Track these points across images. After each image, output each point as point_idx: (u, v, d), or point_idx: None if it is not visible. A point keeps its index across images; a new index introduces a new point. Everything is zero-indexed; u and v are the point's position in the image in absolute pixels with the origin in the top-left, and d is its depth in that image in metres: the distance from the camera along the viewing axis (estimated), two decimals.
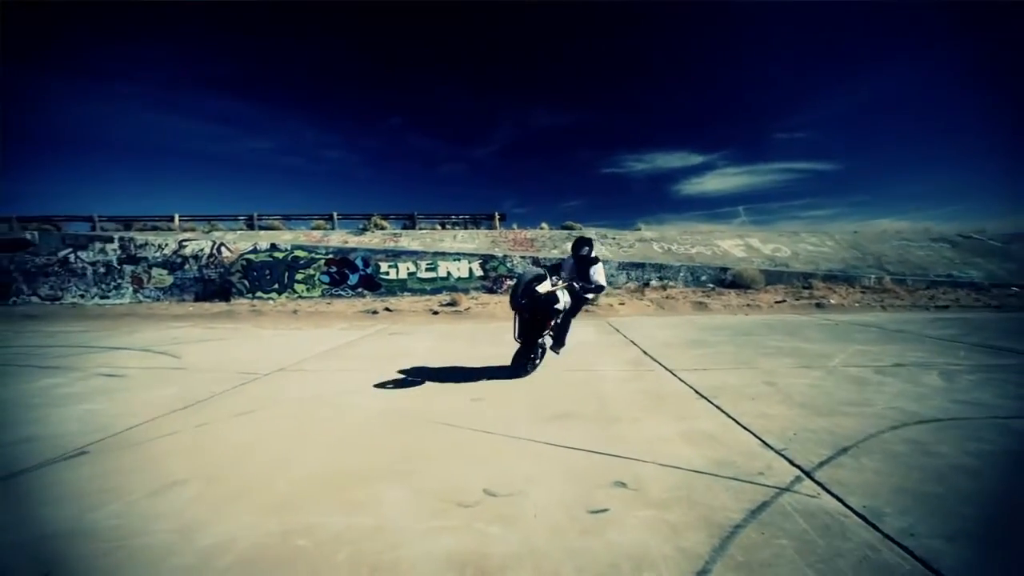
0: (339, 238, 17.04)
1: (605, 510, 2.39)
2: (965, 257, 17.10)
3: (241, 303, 14.57)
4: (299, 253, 16.22)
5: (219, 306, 13.98)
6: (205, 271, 16.27)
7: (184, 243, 16.55)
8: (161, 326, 10.70)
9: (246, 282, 16.07)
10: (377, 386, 4.98)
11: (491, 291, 15.12)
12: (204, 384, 5.17)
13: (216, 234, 17.32)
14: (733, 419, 3.73)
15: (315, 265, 16.05)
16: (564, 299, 5.14)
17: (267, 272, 16.09)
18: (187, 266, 16.26)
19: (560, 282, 5.22)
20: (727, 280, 15.10)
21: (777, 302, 12.95)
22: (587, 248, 5.51)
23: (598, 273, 5.42)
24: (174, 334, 9.29)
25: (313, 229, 18.13)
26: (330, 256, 16.09)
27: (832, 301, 13.00)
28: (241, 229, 18.25)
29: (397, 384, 5.08)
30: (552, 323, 5.26)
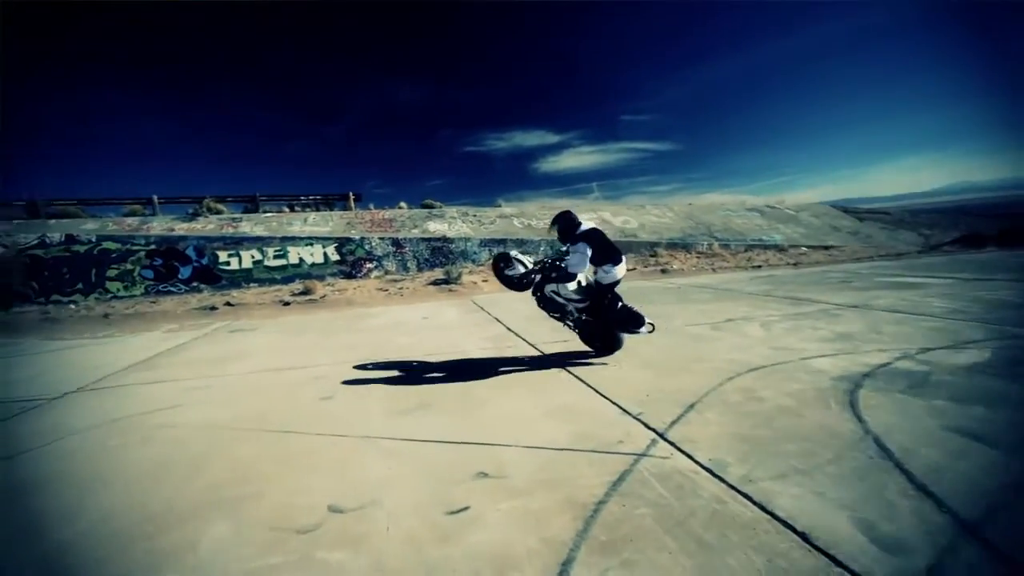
0: (163, 226, 14.48)
1: (465, 508, 2.17)
2: (771, 224, 20.26)
3: (29, 311, 11.70)
4: (109, 245, 13.47)
5: None
6: None
7: None
8: None
9: (35, 284, 12.93)
10: (203, 397, 4.20)
11: (350, 276, 14.10)
12: None
13: None
14: (592, 388, 3.78)
15: (133, 258, 13.46)
16: (572, 284, 4.60)
17: (63, 270, 13.11)
18: None
19: (537, 264, 4.73)
20: None
21: (629, 269, 14.03)
22: (554, 229, 4.67)
23: (569, 256, 4.42)
24: None
25: (126, 216, 15.17)
26: (152, 247, 13.62)
27: (674, 266, 14.48)
28: (19, 218, 14.59)
29: (230, 392, 4.35)
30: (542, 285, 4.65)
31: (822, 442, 2.60)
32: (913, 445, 2.50)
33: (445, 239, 15.24)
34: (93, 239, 13.36)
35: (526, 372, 4.40)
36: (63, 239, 13.30)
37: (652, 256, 15.88)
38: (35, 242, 13.16)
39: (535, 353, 5.07)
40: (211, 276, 13.78)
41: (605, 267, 4.36)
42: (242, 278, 13.90)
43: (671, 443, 2.70)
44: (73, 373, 5.49)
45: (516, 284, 4.70)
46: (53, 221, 14.58)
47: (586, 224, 4.54)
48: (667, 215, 19.97)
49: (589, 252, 4.28)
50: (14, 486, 2.75)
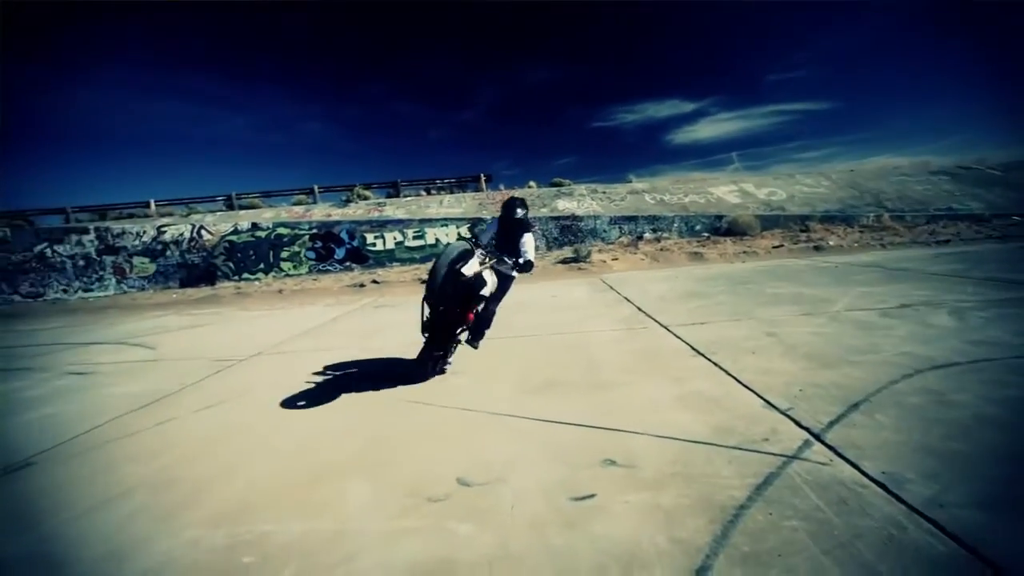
0: (322, 212, 16.48)
1: (591, 496, 2.12)
2: (965, 189, 16.65)
3: (226, 286, 14.20)
4: (282, 230, 15.72)
5: (203, 291, 13.62)
6: (187, 256, 15.80)
7: (163, 229, 16.01)
8: (142, 316, 10.37)
9: (231, 264, 15.63)
10: (352, 366, 4.70)
11: None
12: (176, 375, 4.87)
13: (195, 217, 16.73)
14: (733, 377, 3.45)
15: (299, 241, 15.57)
16: (491, 281, 4.00)
17: (251, 252, 15.63)
18: (168, 252, 15.78)
19: (487, 259, 3.99)
20: (722, 228, 14.70)
21: (774, 247, 12.62)
22: (521, 211, 4.28)
23: (527, 245, 4.10)
24: (153, 323, 8.97)
25: (295, 205, 17.52)
26: (314, 231, 15.59)
27: (830, 243, 12.67)
28: (220, 210, 17.64)
29: (374, 363, 4.80)
30: (472, 313, 4.03)
31: None
32: None
33: (574, 217, 15.11)
34: (270, 226, 15.68)
35: (658, 355, 4.17)
36: (250, 226, 15.82)
37: (803, 231, 14.07)
38: (230, 230, 15.85)
39: (668, 335, 4.79)
40: (360, 256, 15.39)
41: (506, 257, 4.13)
42: (386, 257, 15.30)
43: (830, 447, 2.35)
44: (257, 339, 6.51)
45: (458, 286, 3.70)
46: (243, 212, 17.41)
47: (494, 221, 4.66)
48: (822, 184, 17.46)
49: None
50: (211, 435, 3.33)
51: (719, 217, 15.02)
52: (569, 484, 2.23)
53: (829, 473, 2.12)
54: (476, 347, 4.56)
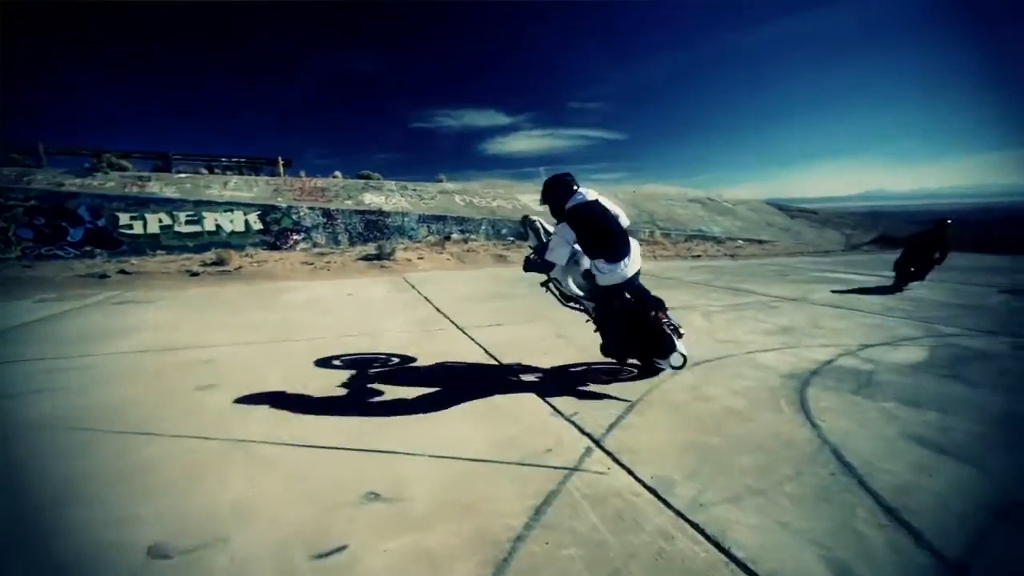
0: (50, 180, 12.58)
1: (341, 548, 1.63)
2: (711, 215, 20.72)
3: None
4: None
5: None
6: None
7: None
8: None
9: None
10: (55, 383, 3.36)
11: (273, 247, 12.87)
12: None
13: None
14: (522, 382, 3.32)
15: (7, 215, 11.59)
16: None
17: None
18: None
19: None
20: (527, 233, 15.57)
21: None
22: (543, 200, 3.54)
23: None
24: None
25: (2, 166, 13.04)
26: (33, 203, 11.78)
27: None
28: None
29: (92, 378, 3.52)
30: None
31: (778, 454, 2.26)
32: (874, 459, 2.21)
33: (381, 212, 14.28)
34: None
35: (449, 360, 3.87)
36: None
37: None
38: None
39: (463, 338, 4.55)
40: (109, 240, 12.13)
41: (599, 263, 3.19)
42: (148, 244, 12.35)
43: (608, 452, 2.28)
44: None
45: (530, 264, 3.50)
46: None
47: (584, 194, 3.30)
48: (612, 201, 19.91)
49: (571, 238, 3.15)
50: None
51: None
52: (314, 534, 1.71)
53: (607, 483, 2.01)
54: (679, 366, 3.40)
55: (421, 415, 2.78)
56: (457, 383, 3.32)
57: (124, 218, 12.34)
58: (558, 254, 3.22)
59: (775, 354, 3.91)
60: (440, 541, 1.66)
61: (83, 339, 4.70)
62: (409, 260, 11.04)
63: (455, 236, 14.46)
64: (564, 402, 2.92)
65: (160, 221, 12.53)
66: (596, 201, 3.30)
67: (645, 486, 1.99)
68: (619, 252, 3.18)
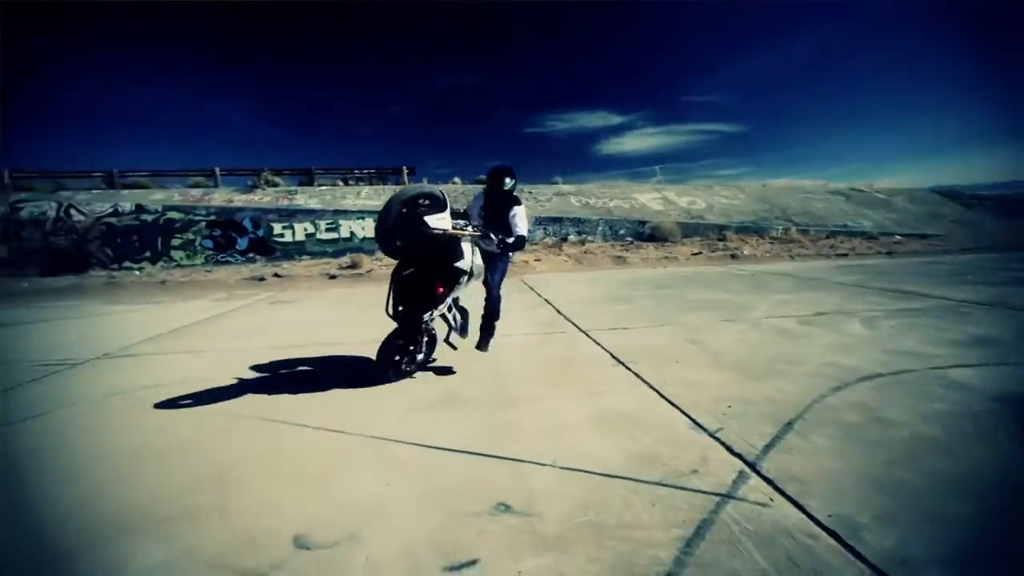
0: (223, 197, 14.79)
1: (472, 563, 1.55)
2: (857, 209, 18.13)
3: (98, 275, 12.24)
4: (173, 215, 13.88)
5: (66, 280, 11.62)
6: (52, 239, 13.50)
7: (19, 205, 13.60)
8: None
9: (108, 251, 13.55)
10: (209, 374, 3.83)
11: None
12: None
13: (64, 194, 14.41)
14: (656, 391, 3.04)
15: (195, 228, 13.83)
16: (472, 260, 3.39)
17: (134, 238, 13.66)
18: (24, 234, 13.41)
19: (468, 227, 3.31)
20: (645, 233, 14.88)
21: (694, 254, 12.88)
22: (510, 180, 3.64)
23: (519, 218, 3.56)
24: None
25: (191, 187, 15.63)
26: (212, 218, 13.92)
27: (745, 252, 13.15)
28: (98, 188, 15.37)
29: (249, 367, 3.96)
30: (450, 291, 3.31)
31: (1008, 505, 1.76)
32: None
33: None
34: (159, 209, 13.81)
35: (575, 364, 3.71)
36: (133, 208, 13.84)
37: (720, 240, 14.55)
38: (109, 211, 13.78)
39: (586, 341, 4.36)
40: (266, 248, 13.94)
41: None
42: (295, 250, 13.97)
43: (768, 480, 1.94)
44: (108, 338, 5.35)
45: (423, 240, 3.03)
46: (127, 191, 15.25)
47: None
48: (738, 196, 18.33)
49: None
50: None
51: (642, 223, 15.20)
52: (445, 543, 1.65)
53: (771, 518, 1.70)
54: (483, 349, 3.93)
55: (548, 421, 2.65)
56: (583, 388, 3.15)
57: (277, 228, 14.08)
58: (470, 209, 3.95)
59: (973, 371, 3.16)
60: (579, 568, 1.50)
61: (247, 333, 5.35)
62: (526, 262, 11.11)
63: (572, 238, 14.32)
64: (703, 415, 2.60)
65: (305, 230, 14.09)
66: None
67: (823, 527, 1.64)
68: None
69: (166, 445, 2.54)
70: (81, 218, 13.66)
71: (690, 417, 2.59)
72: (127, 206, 13.88)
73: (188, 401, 3.19)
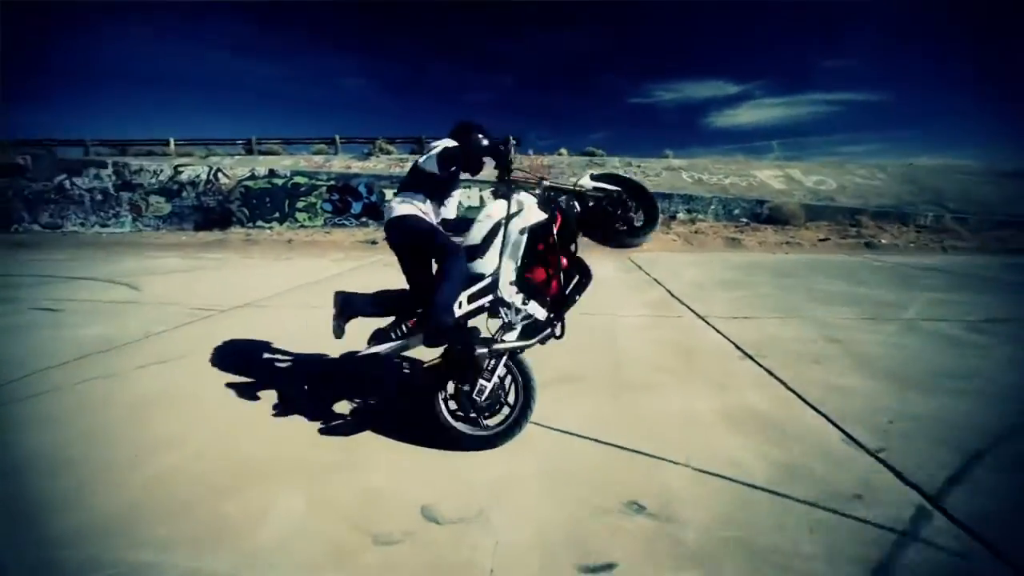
0: (342, 164, 15.82)
1: (610, 566, 1.46)
2: None
3: (237, 232, 13.77)
4: (299, 179, 15.12)
5: (213, 235, 13.21)
6: (203, 198, 15.36)
7: (180, 169, 15.55)
8: (145, 255, 9.97)
9: (245, 210, 15.15)
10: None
11: None
12: (146, 321, 4.35)
13: (213, 159, 16.25)
14: (795, 392, 2.73)
15: (316, 192, 14.98)
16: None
17: (266, 199, 15.12)
18: (185, 193, 15.36)
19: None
20: (763, 215, 13.60)
21: (820, 240, 11.59)
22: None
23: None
24: (152, 264, 8.53)
25: (315, 154, 16.87)
26: (332, 183, 14.96)
27: (883, 241, 11.57)
28: (239, 154, 17.12)
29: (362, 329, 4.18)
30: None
31: None
32: None
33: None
34: (288, 174, 15.09)
35: (697, 352, 3.46)
36: (267, 173, 15.27)
37: (853, 226, 12.90)
38: (247, 175, 15.32)
39: (705, 328, 4.06)
40: (377, 212, 14.74)
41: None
42: None
43: (961, 524, 1.62)
44: (252, 289, 5.96)
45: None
46: (261, 157, 16.86)
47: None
48: (878, 177, 16.07)
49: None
50: (147, 399, 2.76)
51: (760, 202, 13.89)
52: (578, 538, 1.57)
53: None
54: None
55: (674, 412, 2.48)
56: (710, 380, 2.91)
57: (388, 194, 14.80)
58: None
59: None
60: None
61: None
62: None
63: (681, 215, 13.51)
64: (858, 428, 2.27)
65: None
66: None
67: None
68: None
69: (305, 394, 2.74)
70: (226, 181, 15.35)
71: (842, 429, 2.28)
72: (262, 171, 15.33)
73: (308, 363, 3.43)
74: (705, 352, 3.49)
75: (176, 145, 17.27)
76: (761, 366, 3.18)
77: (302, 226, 14.87)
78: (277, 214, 15.09)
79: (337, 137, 16.93)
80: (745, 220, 13.42)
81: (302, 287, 6.18)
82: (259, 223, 15.00)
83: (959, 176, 16.36)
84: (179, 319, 4.45)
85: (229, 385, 2.91)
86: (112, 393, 2.81)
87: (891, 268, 7.67)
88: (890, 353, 3.42)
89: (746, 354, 3.42)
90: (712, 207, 13.69)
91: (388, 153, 16.44)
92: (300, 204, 15.03)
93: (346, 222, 14.82)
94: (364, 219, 14.75)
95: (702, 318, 4.39)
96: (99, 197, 15.86)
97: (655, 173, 15.03)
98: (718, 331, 3.97)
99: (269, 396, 2.76)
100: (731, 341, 3.70)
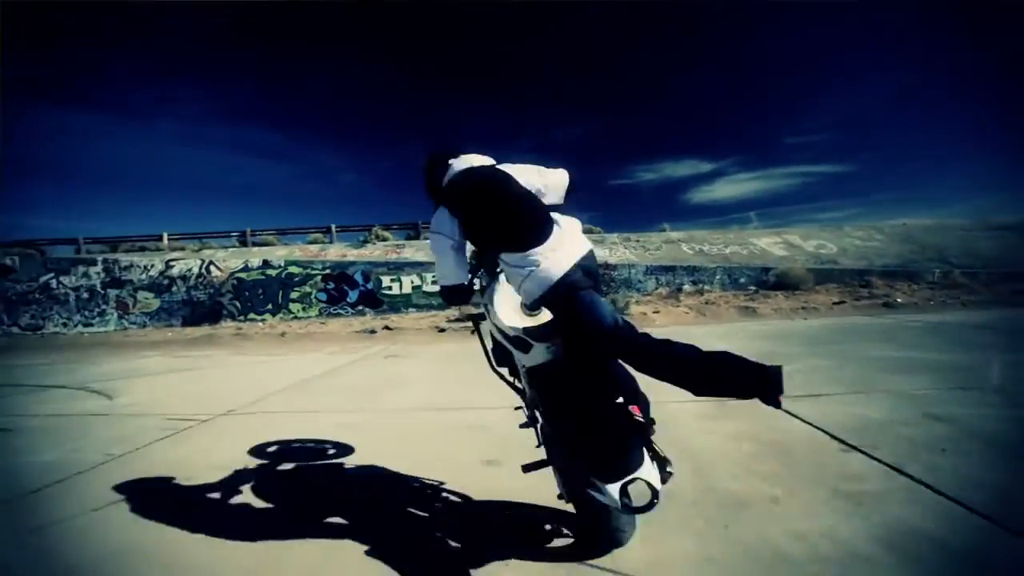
0: (337, 252, 15.64)
1: None
2: None
3: (227, 327, 13.16)
4: (293, 269, 14.82)
5: (202, 330, 12.58)
6: (193, 292, 14.92)
7: (171, 263, 15.26)
8: (126, 356, 9.27)
9: (237, 303, 14.68)
10: (341, 439, 3.41)
11: None
12: (110, 440, 3.65)
13: (206, 252, 16.03)
14: (947, 496, 2.08)
15: (311, 282, 14.62)
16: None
17: (260, 291, 14.70)
18: (175, 288, 14.93)
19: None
20: (770, 281, 13.34)
21: (835, 303, 11.20)
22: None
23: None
24: (132, 365, 7.83)
25: (310, 243, 16.76)
26: (327, 271, 14.65)
27: (899, 299, 11.21)
28: (234, 246, 16.97)
29: (367, 432, 3.51)
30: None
31: None
32: None
33: (607, 265, 13.92)
34: (282, 263, 14.82)
35: (787, 448, 2.82)
36: (261, 263, 14.99)
37: (863, 287, 12.63)
38: (240, 266, 15.02)
39: (779, 414, 3.43)
40: (374, 300, 14.32)
41: (506, 259, 1.80)
42: (402, 303, 14.20)
43: None
44: (238, 391, 5.29)
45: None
46: (256, 248, 16.68)
47: (465, 162, 2.08)
48: (875, 237, 16.15)
49: (451, 229, 1.94)
50: (96, 554, 2.04)
51: (765, 270, 13.70)
52: None
53: None
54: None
55: (816, 543, 1.81)
56: (826, 485, 2.26)
57: (386, 280, 14.47)
58: (440, 263, 2.04)
59: None
60: None
61: (367, 391, 5.01)
62: (644, 314, 10.20)
63: (687, 287, 13.21)
64: None
65: (412, 282, 14.34)
66: (483, 166, 2.05)
67: None
68: (533, 234, 1.74)
69: (290, 531, 2.04)
70: (218, 273, 15.01)
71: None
72: (255, 262, 15.06)
73: (308, 473, 2.74)
74: (797, 446, 2.84)
75: (169, 239, 17.16)
76: (876, 459, 2.54)
77: (296, 317, 14.34)
78: (270, 306, 14.61)
79: (333, 226, 16.96)
80: (753, 288, 13.14)
81: (297, 386, 5.51)
82: (251, 316, 14.47)
83: (958, 232, 16.52)
84: (149, 435, 3.75)
85: (196, 531, 2.20)
86: (44, 555, 2.09)
87: (932, 328, 7.18)
88: (1017, 428, 2.80)
89: (848, 444, 2.78)
90: (717, 277, 13.44)
91: (384, 240, 16.35)
92: (294, 295, 14.61)
93: (342, 311, 14.34)
94: (360, 307, 14.29)
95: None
96: (85, 295, 15.41)
97: (655, 247, 14.96)
98: (796, 416, 3.34)
99: (251, 552, 2.05)
100: (819, 428, 3.07)
